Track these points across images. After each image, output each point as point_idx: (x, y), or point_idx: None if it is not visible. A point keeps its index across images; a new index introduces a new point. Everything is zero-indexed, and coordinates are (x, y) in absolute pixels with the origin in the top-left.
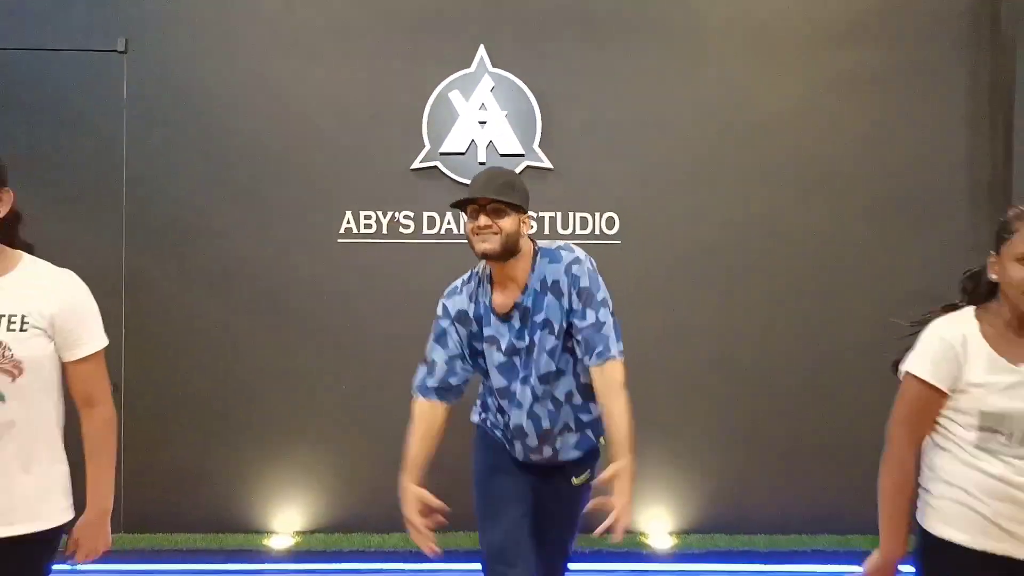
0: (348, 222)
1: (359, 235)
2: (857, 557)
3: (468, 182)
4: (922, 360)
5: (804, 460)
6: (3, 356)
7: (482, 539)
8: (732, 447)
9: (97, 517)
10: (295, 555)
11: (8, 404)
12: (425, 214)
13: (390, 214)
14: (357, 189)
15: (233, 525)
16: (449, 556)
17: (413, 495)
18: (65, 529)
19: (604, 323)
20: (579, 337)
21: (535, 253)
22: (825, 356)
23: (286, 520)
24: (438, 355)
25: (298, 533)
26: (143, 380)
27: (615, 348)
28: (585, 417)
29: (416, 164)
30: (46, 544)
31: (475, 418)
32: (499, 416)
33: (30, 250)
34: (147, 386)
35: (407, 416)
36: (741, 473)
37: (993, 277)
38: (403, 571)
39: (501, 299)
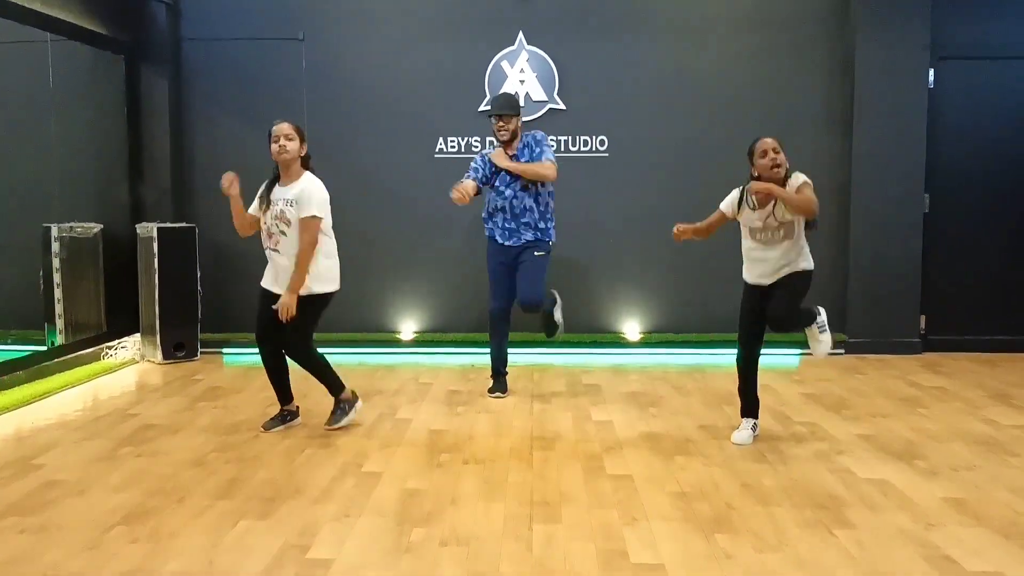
0: (440, 144)
1: (446, 152)
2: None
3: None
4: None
5: (721, 289)
6: (282, 218)
7: (491, 301)
8: (679, 282)
9: (288, 295)
10: (415, 343)
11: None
12: (487, 139)
13: (465, 139)
14: (445, 124)
15: (376, 327)
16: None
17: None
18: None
19: (544, 152)
20: (538, 158)
21: (522, 136)
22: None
23: (406, 325)
24: (472, 173)
25: (415, 332)
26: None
27: (546, 157)
28: (537, 218)
29: (481, 108)
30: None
31: (487, 230)
32: (495, 221)
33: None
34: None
35: (477, 266)
36: (683, 297)
37: (754, 172)
38: (478, 352)
39: (509, 152)
